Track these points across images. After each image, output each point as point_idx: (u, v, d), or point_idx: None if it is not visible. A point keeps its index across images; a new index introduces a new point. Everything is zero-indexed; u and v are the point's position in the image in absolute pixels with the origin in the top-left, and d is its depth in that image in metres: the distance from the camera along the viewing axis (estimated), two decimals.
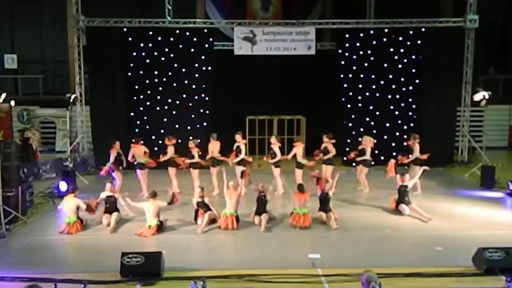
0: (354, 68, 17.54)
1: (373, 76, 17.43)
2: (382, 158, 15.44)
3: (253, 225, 10.41)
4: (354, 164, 14.24)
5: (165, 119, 17.14)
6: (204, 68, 17.27)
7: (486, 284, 7.27)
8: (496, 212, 11.59)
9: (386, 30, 17.32)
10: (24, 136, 17.66)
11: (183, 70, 17.17)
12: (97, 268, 8.05)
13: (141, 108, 17.28)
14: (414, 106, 17.51)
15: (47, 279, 7.30)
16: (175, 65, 17.13)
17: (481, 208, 11.90)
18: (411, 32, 17.26)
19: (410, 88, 17.46)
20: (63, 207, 10.38)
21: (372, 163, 13.78)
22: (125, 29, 17.04)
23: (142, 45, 17.05)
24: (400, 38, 17.31)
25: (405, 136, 15.27)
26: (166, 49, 17.11)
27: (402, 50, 17.34)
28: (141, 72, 17.14)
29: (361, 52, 17.44)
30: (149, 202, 10.11)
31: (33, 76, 22.43)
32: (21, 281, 7.31)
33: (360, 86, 17.53)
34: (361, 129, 17.08)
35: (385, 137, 17.19)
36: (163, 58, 17.10)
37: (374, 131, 17.12)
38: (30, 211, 11.58)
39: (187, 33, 17.21)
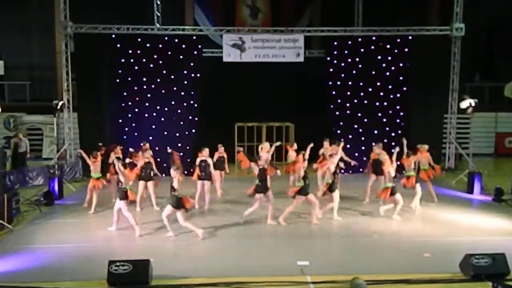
0: (343, 75, 17.67)
1: (361, 84, 17.56)
2: None
3: (242, 233, 10.40)
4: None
5: (153, 126, 17.09)
6: (193, 75, 17.27)
7: None
8: (483, 218, 11.67)
9: (374, 38, 17.48)
10: (15, 142, 17.46)
11: (172, 76, 17.16)
12: (84, 277, 7.96)
13: (130, 115, 17.22)
14: (401, 113, 17.66)
15: None
16: (164, 71, 17.11)
17: (468, 215, 12.00)
18: (398, 40, 17.44)
19: (398, 95, 17.62)
20: None
21: None
22: (113, 36, 17.01)
23: (130, 51, 17.02)
24: (388, 46, 17.48)
25: (393, 143, 15.35)
26: (155, 56, 17.10)
27: (389, 58, 17.51)
28: (129, 78, 17.10)
29: (349, 60, 17.59)
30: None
31: (20, 83, 22.26)
32: None
33: (349, 93, 17.66)
34: (350, 136, 17.16)
35: (373, 144, 17.24)
36: (151, 65, 17.09)
37: (362, 138, 17.25)
38: (16, 219, 11.42)
39: (176, 40, 17.22)
